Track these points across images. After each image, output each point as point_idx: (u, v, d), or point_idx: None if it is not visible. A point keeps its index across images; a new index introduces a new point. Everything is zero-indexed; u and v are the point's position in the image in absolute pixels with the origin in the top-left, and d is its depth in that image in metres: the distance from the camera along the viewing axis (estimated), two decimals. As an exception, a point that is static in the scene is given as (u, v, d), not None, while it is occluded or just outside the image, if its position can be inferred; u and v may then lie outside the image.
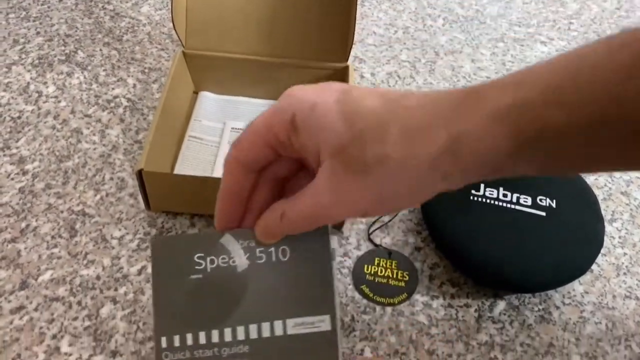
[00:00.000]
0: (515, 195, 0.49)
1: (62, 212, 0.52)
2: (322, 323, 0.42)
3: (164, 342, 0.39)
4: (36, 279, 0.47)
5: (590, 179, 0.59)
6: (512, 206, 0.49)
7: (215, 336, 0.40)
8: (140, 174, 0.48)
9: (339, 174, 0.29)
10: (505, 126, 0.27)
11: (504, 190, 0.50)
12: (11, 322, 0.45)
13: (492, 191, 0.50)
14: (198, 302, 0.41)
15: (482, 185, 0.50)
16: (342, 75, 0.58)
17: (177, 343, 0.39)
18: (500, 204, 0.49)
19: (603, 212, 0.55)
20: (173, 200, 0.51)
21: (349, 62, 0.58)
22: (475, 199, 0.49)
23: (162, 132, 0.51)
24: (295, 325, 0.42)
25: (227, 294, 0.41)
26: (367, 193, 0.29)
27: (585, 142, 0.26)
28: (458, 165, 0.28)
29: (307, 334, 0.42)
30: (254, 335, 0.41)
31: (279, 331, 0.41)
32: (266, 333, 0.41)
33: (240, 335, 0.41)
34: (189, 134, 0.57)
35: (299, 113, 0.29)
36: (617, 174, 0.59)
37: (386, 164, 0.28)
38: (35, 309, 0.45)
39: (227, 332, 0.41)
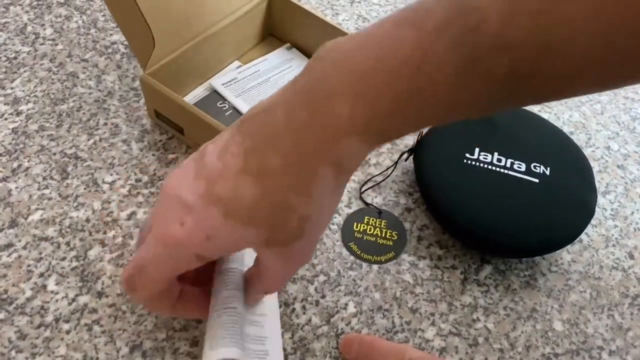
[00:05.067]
0: (509, 161, 0.49)
1: (54, 154, 0.52)
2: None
3: None
4: (26, 218, 0.47)
5: (587, 150, 0.58)
6: (506, 171, 0.48)
7: None
8: None
9: (283, 255, 0.32)
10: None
11: (498, 155, 0.49)
12: (-1, 259, 0.45)
13: (487, 155, 0.49)
14: None
15: (476, 149, 0.50)
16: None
17: None
18: (494, 168, 0.48)
19: (597, 184, 0.55)
20: None
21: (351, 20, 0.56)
22: (469, 162, 0.49)
23: None
24: None
25: None
26: (309, 249, 0.34)
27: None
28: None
29: None
30: None
31: None
32: None
33: None
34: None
35: (200, 250, 0.31)
36: (614, 147, 0.59)
37: (302, 224, 0.31)
38: (24, 247, 0.46)
39: None
